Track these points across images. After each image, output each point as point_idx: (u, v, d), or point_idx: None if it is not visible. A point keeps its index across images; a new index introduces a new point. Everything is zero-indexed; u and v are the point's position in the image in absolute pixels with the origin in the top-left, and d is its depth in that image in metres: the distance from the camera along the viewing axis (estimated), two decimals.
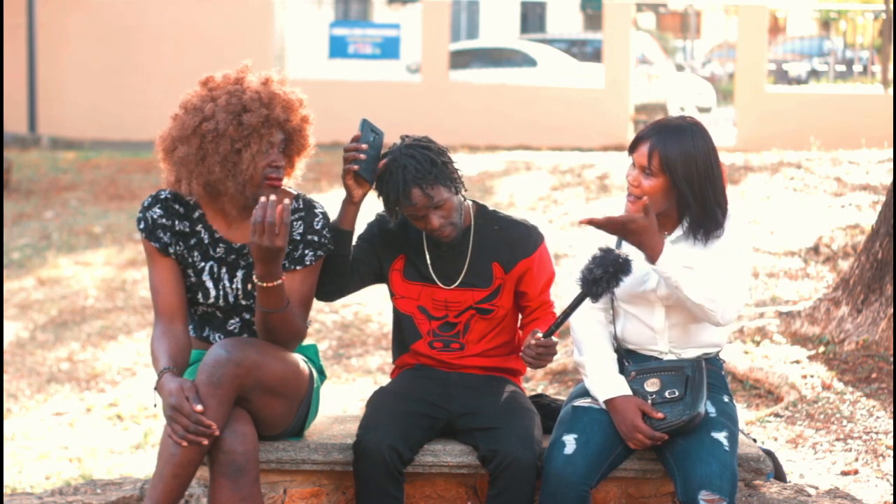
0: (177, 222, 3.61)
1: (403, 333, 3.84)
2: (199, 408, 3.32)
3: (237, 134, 3.47)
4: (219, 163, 3.49)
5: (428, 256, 3.76)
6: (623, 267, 3.40)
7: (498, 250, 3.76)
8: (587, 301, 3.46)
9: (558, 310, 3.64)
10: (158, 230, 3.60)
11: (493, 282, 3.76)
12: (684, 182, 3.47)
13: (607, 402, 3.55)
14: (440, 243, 3.75)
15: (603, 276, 3.38)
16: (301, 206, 3.64)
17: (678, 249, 3.54)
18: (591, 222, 3.41)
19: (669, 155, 3.46)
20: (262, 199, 3.36)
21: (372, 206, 3.79)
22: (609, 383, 3.56)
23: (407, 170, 3.57)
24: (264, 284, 3.44)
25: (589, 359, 3.62)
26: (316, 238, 3.62)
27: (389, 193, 3.62)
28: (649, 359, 3.63)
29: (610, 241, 3.58)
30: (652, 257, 3.42)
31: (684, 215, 3.54)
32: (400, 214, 3.69)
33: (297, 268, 3.60)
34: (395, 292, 3.81)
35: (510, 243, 3.76)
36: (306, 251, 3.61)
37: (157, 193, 3.65)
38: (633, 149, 3.54)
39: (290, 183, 3.70)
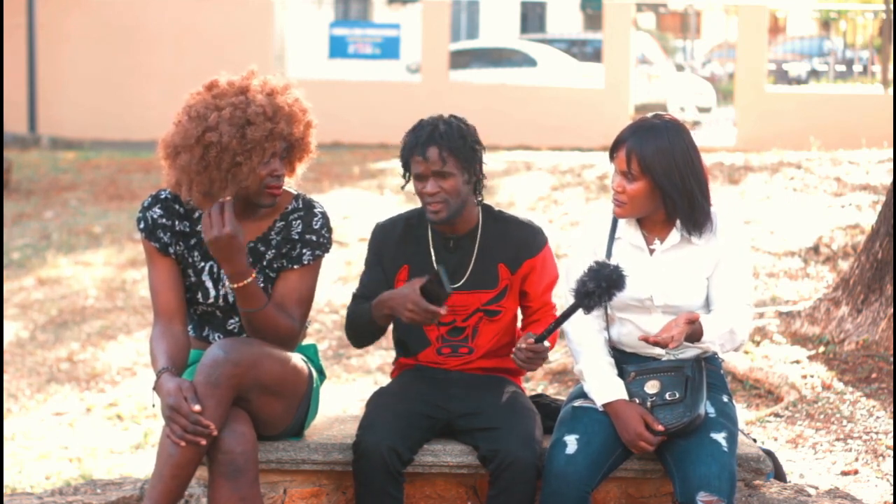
0: (177, 222, 3.61)
1: (410, 342, 3.83)
2: (196, 408, 3.31)
3: (240, 147, 3.46)
4: (220, 178, 3.47)
5: (434, 257, 3.76)
6: (616, 282, 3.39)
7: (504, 251, 3.76)
8: (580, 312, 3.46)
9: (558, 312, 3.63)
10: (158, 230, 3.59)
11: (499, 283, 3.76)
12: (666, 180, 3.47)
13: (606, 406, 3.55)
14: (446, 244, 3.74)
15: (595, 290, 3.39)
16: (300, 205, 3.64)
17: (675, 256, 3.54)
18: (657, 343, 3.39)
19: (647, 156, 3.46)
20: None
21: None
22: (607, 388, 3.56)
23: (437, 129, 3.66)
24: (235, 285, 3.46)
25: (586, 365, 3.61)
26: (314, 237, 3.62)
27: (410, 142, 3.66)
28: (648, 359, 3.63)
29: (602, 252, 3.58)
30: (696, 338, 3.46)
31: (674, 217, 3.54)
32: (408, 176, 3.71)
33: (294, 266, 3.60)
34: None
35: (516, 244, 3.76)
36: (304, 250, 3.60)
37: (157, 193, 3.64)
38: (612, 154, 3.54)
39: (290, 183, 3.69)
